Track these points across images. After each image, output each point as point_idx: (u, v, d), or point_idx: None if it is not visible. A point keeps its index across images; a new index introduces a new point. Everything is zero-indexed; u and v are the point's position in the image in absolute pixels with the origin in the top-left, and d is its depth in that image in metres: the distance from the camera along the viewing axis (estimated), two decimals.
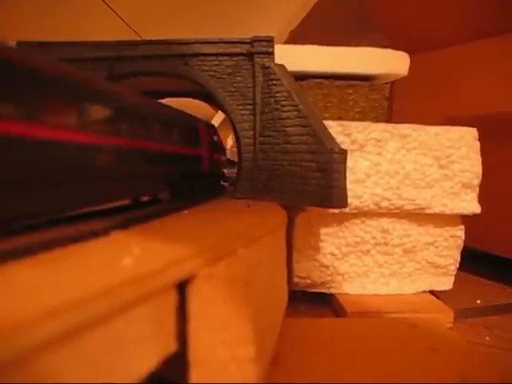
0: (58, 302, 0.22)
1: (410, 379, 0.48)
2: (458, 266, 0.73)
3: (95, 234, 0.39)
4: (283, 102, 0.68)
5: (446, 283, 0.74)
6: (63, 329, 0.22)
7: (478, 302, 0.73)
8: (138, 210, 0.54)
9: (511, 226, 0.84)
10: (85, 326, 0.23)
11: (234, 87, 0.71)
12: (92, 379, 0.24)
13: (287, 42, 0.90)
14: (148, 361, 0.29)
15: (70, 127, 0.41)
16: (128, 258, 0.31)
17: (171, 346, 0.32)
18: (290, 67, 0.72)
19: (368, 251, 0.72)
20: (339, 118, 0.78)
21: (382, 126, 0.70)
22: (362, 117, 0.81)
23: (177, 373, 0.33)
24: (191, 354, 0.33)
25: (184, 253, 0.34)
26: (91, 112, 0.46)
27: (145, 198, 0.65)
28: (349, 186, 0.61)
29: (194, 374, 0.33)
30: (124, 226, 0.43)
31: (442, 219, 0.72)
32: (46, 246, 0.33)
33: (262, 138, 0.72)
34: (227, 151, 1.84)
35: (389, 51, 0.81)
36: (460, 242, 0.72)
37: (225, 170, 1.15)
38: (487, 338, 0.63)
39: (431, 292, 0.74)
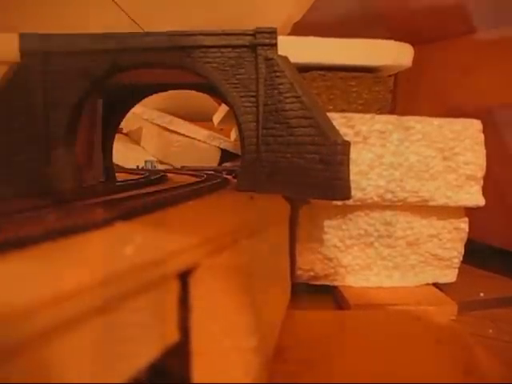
0: (58, 291, 0.22)
1: (413, 372, 0.48)
2: (461, 258, 0.73)
3: (98, 225, 0.39)
4: (286, 94, 0.67)
5: (449, 276, 0.74)
6: (63, 318, 0.22)
7: (482, 294, 0.73)
8: (141, 200, 0.54)
9: None
10: (85, 314, 0.23)
11: (237, 79, 0.71)
12: (91, 368, 0.24)
13: (291, 34, 0.89)
14: (149, 351, 0.29)
15: None
16: (130, 247, 0.31)
17: (173, 336, 0.32)
18: (293, 59, 0.71)
19: (371, 244, 0.71)
20: (343, 110, 0.78)
21: (385, 117, 0.70)
22: (366, 109, 0.80)
23: (179, 363, 0.33)
24: (193, 343, 0.33)
25: (186, 243, 0.33)
26: None
27: None
28: (352, 177, 0.60)
29: (197, 364, 0.33)
30: (127, 216, 0.43)
31: (445, 211, 0.71)
32: (48, 236, 0.33)
33: (265, 131, 0.70)
34: (230, 144, 1.83)
35: (392, 43, 0.81)
36: (464, 235, 0.72)
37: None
38: (491, 330, 0.63)
39: (434, 284, 0.74)
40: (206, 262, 0.33)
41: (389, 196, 0.68)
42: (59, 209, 0.48)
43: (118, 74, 0.71)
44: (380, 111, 0.81)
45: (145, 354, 0.28)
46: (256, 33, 0.72)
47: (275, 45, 0.73)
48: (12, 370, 0.20)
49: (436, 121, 0.69)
